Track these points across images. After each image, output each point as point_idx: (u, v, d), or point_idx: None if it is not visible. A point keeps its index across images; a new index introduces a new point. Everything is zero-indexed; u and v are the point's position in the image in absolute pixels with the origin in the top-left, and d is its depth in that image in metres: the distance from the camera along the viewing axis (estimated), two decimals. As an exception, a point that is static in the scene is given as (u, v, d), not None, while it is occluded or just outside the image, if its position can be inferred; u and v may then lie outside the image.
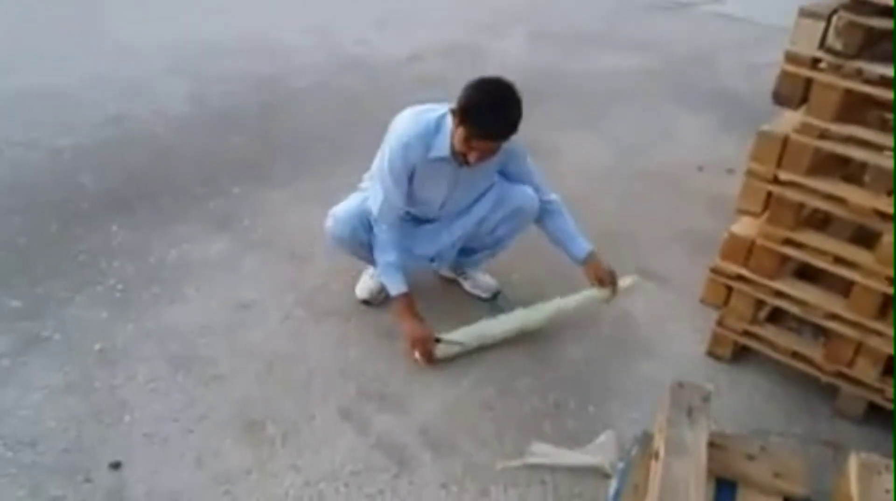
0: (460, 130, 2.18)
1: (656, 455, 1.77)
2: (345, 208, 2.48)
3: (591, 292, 2.51)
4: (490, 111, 2.14)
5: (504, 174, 2.50)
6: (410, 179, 2.36)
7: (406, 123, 2.31)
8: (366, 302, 2.66)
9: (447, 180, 2.39)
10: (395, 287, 2.42)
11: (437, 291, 2.77)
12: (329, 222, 2.49)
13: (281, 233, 3.06)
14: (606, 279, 2.47)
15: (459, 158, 2.26)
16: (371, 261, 2.53)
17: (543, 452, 2.10)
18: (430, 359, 2.37)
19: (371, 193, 2.43)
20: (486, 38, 5.86)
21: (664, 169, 3.87)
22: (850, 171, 2.36)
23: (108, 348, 2.38)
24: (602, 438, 2.13)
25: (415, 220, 2.57)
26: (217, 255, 2.90)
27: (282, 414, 2.18)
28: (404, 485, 1.99)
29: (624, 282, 2.53)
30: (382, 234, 2.41)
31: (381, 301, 2.66)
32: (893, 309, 2.10)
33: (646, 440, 1.97)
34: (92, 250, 2.85)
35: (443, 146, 2.27)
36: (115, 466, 1.97)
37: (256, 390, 2.26)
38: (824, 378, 2.31)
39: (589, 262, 2.48)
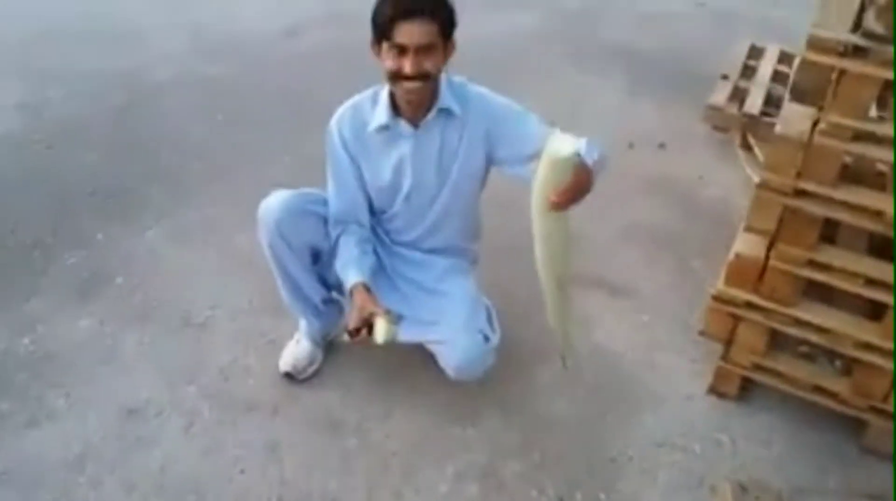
0: (381, 49, 1.80)
1: None
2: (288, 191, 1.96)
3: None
4: None
5: (501, 158, 1.94)
6: (360, 171, 1.96)
7: (339, 109, 1.96)
8: (288, 376, 2.11)
9: (401, 156, 1.91)
10: (351, 278, 1.87)
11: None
12: (266, 201, 1.92)
13: (167, 291, 2.41)
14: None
15: (399, 85, 1.78)
16: (300, 277, 2.00)
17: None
18: (362, 326, 1.77)
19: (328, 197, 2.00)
20: (370, 4, 5.18)
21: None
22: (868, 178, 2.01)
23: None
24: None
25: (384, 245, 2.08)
26: (86, 336, 2.22)
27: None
28: None
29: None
30: (340, 241, 1.96)
31: (309, 375, 2.12)
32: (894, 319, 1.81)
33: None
34: None
35: (382, 113, 1.88)
36: None
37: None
38: (850, 413, 1.99)
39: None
